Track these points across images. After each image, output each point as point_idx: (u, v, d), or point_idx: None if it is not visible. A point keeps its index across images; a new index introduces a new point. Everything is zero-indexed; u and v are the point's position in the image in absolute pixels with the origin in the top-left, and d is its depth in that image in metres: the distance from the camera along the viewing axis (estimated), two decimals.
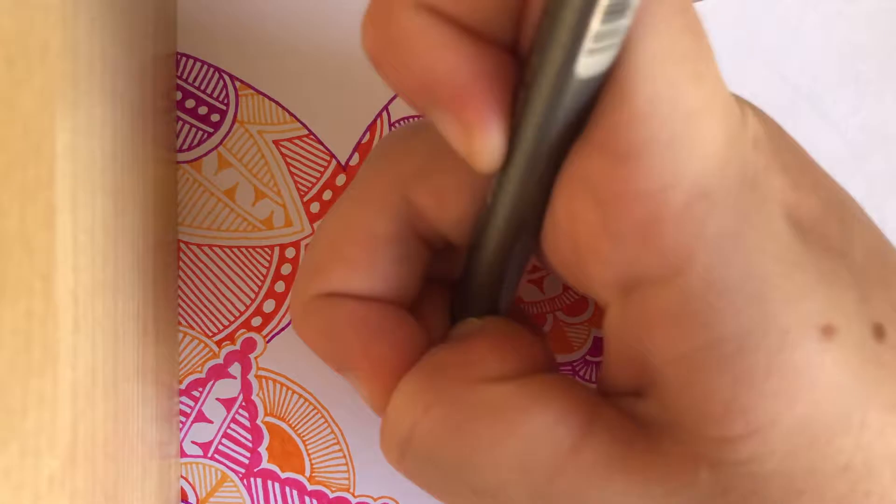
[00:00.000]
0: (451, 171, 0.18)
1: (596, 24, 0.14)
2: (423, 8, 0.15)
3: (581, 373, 0.25)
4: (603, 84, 0.15)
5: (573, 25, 0.14)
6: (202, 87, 0.25)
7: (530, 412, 0.17)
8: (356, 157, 0.25)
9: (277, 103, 0.25)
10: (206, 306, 0.25)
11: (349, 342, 0.19)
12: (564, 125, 0.16)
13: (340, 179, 0.25)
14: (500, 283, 0.20)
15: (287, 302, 0.25)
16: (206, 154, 0.25)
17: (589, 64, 0.15)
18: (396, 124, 0.25)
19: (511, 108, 0.16)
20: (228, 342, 0.25)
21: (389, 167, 0.19)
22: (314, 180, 0.25)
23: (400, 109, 0.25)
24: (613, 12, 0.14)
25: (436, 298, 0.21)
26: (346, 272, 0.19)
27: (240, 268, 0.25)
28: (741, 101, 0.17)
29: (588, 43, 0.15)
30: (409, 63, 0.15)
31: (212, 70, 0.25)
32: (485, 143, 0.16)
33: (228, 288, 0.25)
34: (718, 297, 0.15)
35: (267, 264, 0.25)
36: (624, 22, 0.15)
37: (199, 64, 0.25)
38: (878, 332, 0.16)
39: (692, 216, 0.15)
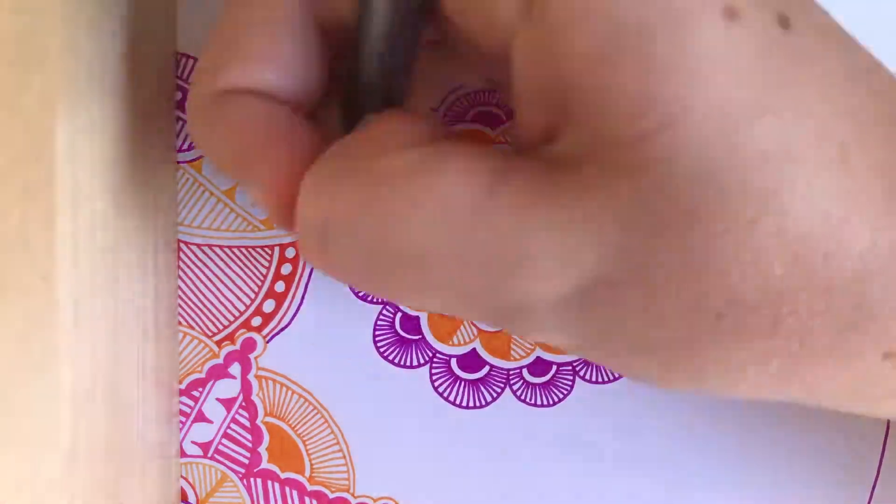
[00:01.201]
0: None
1: None
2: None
3: (582, 373, 0.25)
4: None
5: None
6: None
7: (440, 169, 0.17)
8: None
9: None
10: (205, 306, 0.25)
11: (249, 142, 0.19)
12: None
13: None
14: (392, 69, 0.19)
15: (287, 302, 0.25)
16: None
17: None
18: None
19: None
20: (228, 342, 0.25)
21: None
22: None
23: None
24: None
25: (331, 108, 0.20)
26: (247, 67, 0.19)
27: (240, 268, 0.25)
28: None
29: None
30: None
31: None
32: None
33: (228, 288, 0.25)
34: None
35: (267, 264, 0.25)
36: None
37: None
38: (783, 21, 0.16)
39: None
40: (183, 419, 0.25)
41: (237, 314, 0.25)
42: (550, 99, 0.17)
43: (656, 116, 0.15)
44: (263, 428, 0.25)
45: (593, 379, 0.25)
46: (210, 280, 0.25)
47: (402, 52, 0.19)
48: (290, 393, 0.25)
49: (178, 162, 0.25)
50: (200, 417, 0.25)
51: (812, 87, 0.16)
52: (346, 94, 0.20)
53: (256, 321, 0.25)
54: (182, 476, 0.25)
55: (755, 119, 0.15)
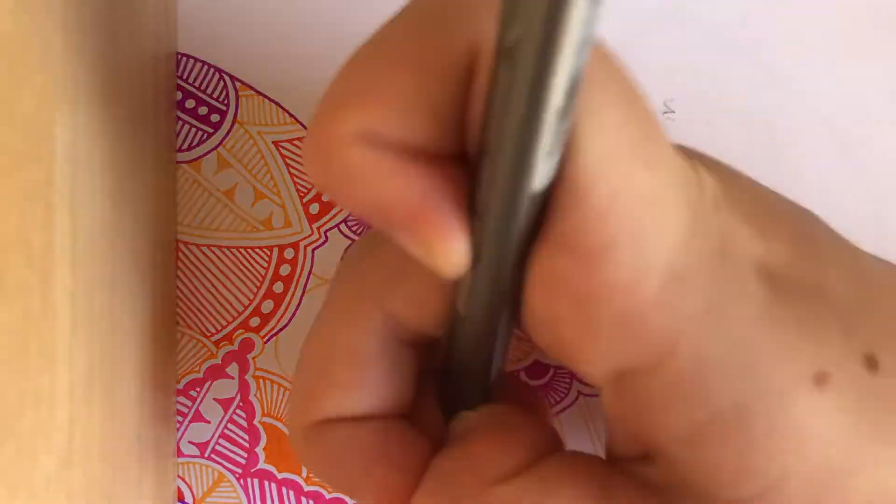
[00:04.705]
0: (420, 275, 0.18)
1: (546, 140, 0.14)
2: (361, 141, 0.15)
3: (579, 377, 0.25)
4: (555, 185, 0.15)
5: (520, 144, 0.14)
6: (202, 87, 0.25)
7: None
8: None
9: (277, 104, 0.25)
10: (204, 306, 0.25)
11: (352, 469, 0.19)
12: (525, 228, 0.16)
13: None
14: (485, 372, 0.19)
15: (285, 302, 0.25)
16: (205, 154, 0.25)
17: (541, 174, 0.15)
18: None
19: (468, 212, 0.16)
20: (226, 342, 0.25)
21: (360, 283, 0.19)
22: None
23: None
24: (561, 121, 0.14)
25: (427, 393, 0.21)
26: (339, 397, 0.19)
27: (238, 268, 0.25)
28: (692, 159, 0.17)
29: (538, 161, 0.14)
30: (357, 195, 0.15)
31: (212, 70, 0.25)
32: (447, 255, 0.15)
33: (227, 288, 0.25)
34: (709, 373, 0.15)
35: (266, 265, 0.25)
36: (566, 125, 0.14)
37: (199, 64, 0.25)
38: (870, 363, 0.16)
39: (669, 301, 0.15)
40: (180, 419, 0.25)
41: (235, 314, 0.25)
42: (642, 443, 0.17)
43: (755, 486, 0.16)
44: (261, 428, 0.25)
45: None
46: (209, 280, 0.25)
47: (494, 358, 0.19)
48: (287, 394, 0.25)
49: (178, 162, 0.25)
50: (198, 417, 0.25)
51: None
52: (441, 391, 0.21)
53: (255, 321, 0.25)
54: (179, 476, 0.25)
55: (856, 473, 0.16)
